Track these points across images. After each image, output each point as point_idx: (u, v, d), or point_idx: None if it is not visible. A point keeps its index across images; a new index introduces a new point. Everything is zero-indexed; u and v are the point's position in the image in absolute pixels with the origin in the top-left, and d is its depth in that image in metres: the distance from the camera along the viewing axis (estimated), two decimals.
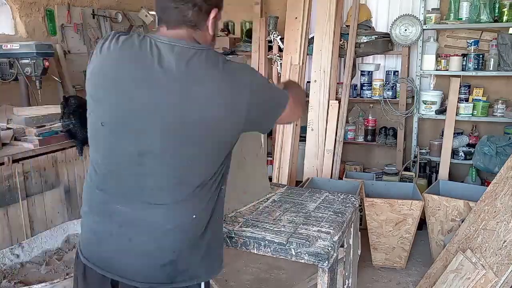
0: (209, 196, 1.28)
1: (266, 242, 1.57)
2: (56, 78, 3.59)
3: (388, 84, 4.04)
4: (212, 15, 1.26)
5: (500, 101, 3.67)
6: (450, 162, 3.60)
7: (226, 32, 4.76)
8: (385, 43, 3.90)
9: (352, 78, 3.95)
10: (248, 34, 4.44)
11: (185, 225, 1.25)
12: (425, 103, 3.86)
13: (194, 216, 1.25)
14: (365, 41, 3.86)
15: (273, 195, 2.00)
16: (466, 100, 3.78)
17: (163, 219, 1.24)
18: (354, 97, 4.15)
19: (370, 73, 4.14)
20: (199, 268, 1.31)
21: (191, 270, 1.29)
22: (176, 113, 1.18)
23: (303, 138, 3.88)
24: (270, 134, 4.30)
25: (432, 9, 3.80)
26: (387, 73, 4.11)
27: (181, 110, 1.17)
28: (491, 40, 3.74)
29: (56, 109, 3.07)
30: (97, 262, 1.29)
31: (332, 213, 1.80)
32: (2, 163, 2.50)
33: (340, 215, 1.78)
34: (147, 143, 1.20)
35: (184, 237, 1.26)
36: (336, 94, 3.89)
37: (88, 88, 1.27)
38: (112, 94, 1.21)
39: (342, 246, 1.86)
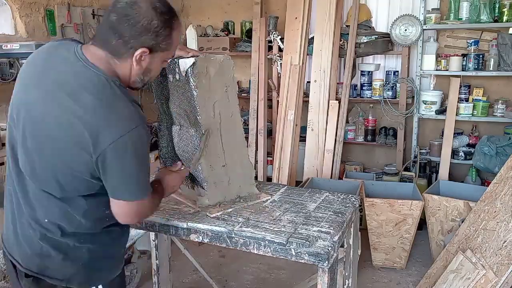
0: (62, 206, 1.29)
1: (266, 242, 1.57)
2: None
3: (388, 84, 4.04)
4: (137, 53, 1.23)
5: (500, 101, 3.67)
6: (450, 162, 3.60)
7: (226, 32, 4.76)
8: (385, 43, 3.90)
9: (352, 78, 3.95)
10: (248, 34, 4.45)
11: (42, 225, 1.31)
12: (425, 103, 3.86)
13: (46, 220, 1.30)
14: (365, 41, 3.86)
15: (273, 195, 2.00)
16: (466, 100, 3.78)
17: (31, 210, 1.32)
18: (354, 97, 4.15)
19: (370, 73, 4.14)
20: (62, 271, 1.34)
21: (56, 270, 1.34)
22: (44, 123, 1.23)
23: (303, 138, 3.88)
24: (270, 134, 4.30)
25: (432, 9, 3.80)
26: (387, 73, 4.11)
27: (50, 121, 1.22)
28: (491, 40, 3.74)
29: None
30: (5, 243, 1.43)
31: (332, 213, 1.80)
32: (2, 163, 2.50)
33: (340, 215, 1.78)
34: (27, 141, 1.28)
35: (44, 234, 1.31)
36: (336, 94, 3.89)
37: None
38: (17, 89, 1.37)
39: (342, 246, 1.86)
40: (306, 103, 3.84)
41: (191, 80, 1.67)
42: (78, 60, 1.23)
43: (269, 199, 1.93)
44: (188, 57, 1.68)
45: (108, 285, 1.41)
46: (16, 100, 1.33)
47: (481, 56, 3.66)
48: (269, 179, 4.12)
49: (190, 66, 1.65)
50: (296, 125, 3.73)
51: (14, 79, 3.21)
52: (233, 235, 1.62)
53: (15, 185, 1.34)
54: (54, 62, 1.27)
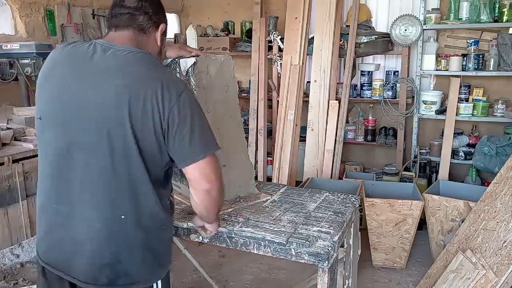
0: (140, 195, 1.25)
1: (266, 242, 1.57)
2: None
3: (388, 84, 4.04)
4: (161, 27, 1.37)
5: (500, 101, 3.67)
6: (450, 162, 3.60)
7: (226, 32, 4.76)
8: (385, 43, 3.90)
9: (352, 78, 3.95)
10: (248, 34, 4.45)
11: (114, 225, 1.24)
12: (425, 103, 3.86)
13: (122, 216, 1.24)
14: (365, 41, 3.86)
15: (273, 195, 2.00)
16: (466, 100, 3.78)
17: (92, 217, 1.24)
18: (354, 97, 4.15)
19: (370, 73, 4.14)
20: (139, 272, 1.30)
21: (131, 273, 1.28)
22: (97, 106, 1.19)
23: (303, 138, 3.88)
24: (270, 134, 4.30)
25: (432, 9, 3.80)
26: (387, 73, 4.11)
27: (100, 104, 1.19)
28: (491, 40, 3.74)
29: None
30: (50, 262, 1.31)
31: (332, 213, 1.80)
32: (2, 163, 2.50)
33: (340, 215, 1.78)
34: (73, 135, 1.22)
35: (116, 237, 1.25)
36: (336, 94, 3.89)
37: (36, 92, 1.33)
38: (46, 90, 1.28)
39: (342, 246, 1.86)
40: (306, 103, 3.84)
41: (192, 80, 1.67)
42: (107, 48, 1.25)
43: (269, 199, 1.93)
44: (189, 57, 1.68)
45: (165, 277, 1.39)
46: (52, 105, 1.27)
47: (481, 56, 3.66)
48: (269, 179, 4.12)
49: (191, 65, 1.66)
50: (296, 125, 3.72)
51: (14, 79, 3.22)
52: (233, 235, 1.62)
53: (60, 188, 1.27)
54: (84, 58, 1.25)
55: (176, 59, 1.72)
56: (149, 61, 1.27)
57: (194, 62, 1.66)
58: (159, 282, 1.35)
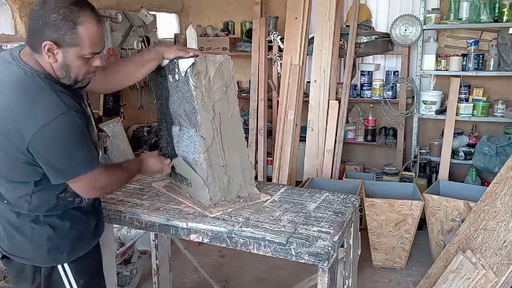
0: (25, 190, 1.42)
1: (266, 242, 1.57)
2: None
3: (388, 84, 4.04)
4: (43, 44, 1.32)
5: (500, 101, 3.67)
6: (450, 162, 3.60)
7: (226, 32, 4.76)
8: (385, 43, 3.90)
9: (352, 78, 3.95)
10: (248, 34, 4.44)
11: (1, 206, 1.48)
12: (425, 103, 3.86)
13: (5, 201, 1.46)
14: (365, 41, 3.86)
15: (273, 195, 2.00)
16: (466, 100, 3.78)
17: None
18: (354, 97, 4.15)
19: (370, 73, 4.14)
20: (26, 251, 1.48)
21: (20, 250, 1.50)
22: None
23: (303, 138, 3.88)
24: (270, 134, 4.30)
25: (432, 9, 3.80)
26: (387, 73, 4.11)
27: None
28: (491, 40, 3.74)
29: None
30: None
31: (332, 213, 1.80)
32: None
33: (340, 215, 1.78)
34: None
35: (3, 215, 1.48)
36: (336, 94, 3.89)
37: None
38: None
39: (342, 246, 1.86)
40: (306, 103, 3.84)
41: (191, 80, 1.67)
42: (13, 61, 1.38)
43: (269, 199, 1.93)
44: (187, 58, 1.68)
45: (74, 263, 1.52)
46: None
47: (481, 56, 3.66)
48: (269, 179, 4.12)
49: (190, 66, 1.66)
50: (296, 125, 3.73)
51: None
52: (233, 235, 1.62)
53: None
54: None
55: (175, 60, 1.72)
56: (22, 86, 1.34)
57: (193, 63, 1.65)
58: (66, 266, 1.51)
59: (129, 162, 1.87)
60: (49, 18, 1.29)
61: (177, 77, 1.73)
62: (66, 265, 1.51)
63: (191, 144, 1.80)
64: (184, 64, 1.67)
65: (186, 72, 1.67)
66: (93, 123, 1.52)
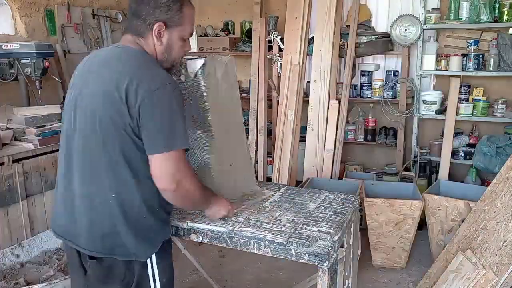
0: (131, 177, 1.39)
1: (266, 242, 1.57)
2: (56, 78, 3.59)
3: (388, 84, 4.04)
4: (155, 27, 1.42)
5: (500, 101, 3.67)
6: (450, 162, 3.59)
7: (226, 32, 4.76)
8: (385, 43, 3.90)
9: (352, 78, 3.95)
10: (248, 34, 4.44)
11: (107, 202, 1.40)
12: (425, 103, 3.86)
13: (113, 195, 1.39)
14: (365, 41, 3.85)
15: (273, 195, 2.00)
16: (466, 100, 3.78)
17: (96, 192, 1.41)
18: (354, 97, 4.15)
19: (370, 73, 4.14)
20: (134, 247, 1.43)
21: (127, 246, 1.43)
22: (91, 96, 1.39)
23: (303, 138, 3.88)
24: (270, 134, 4.30)
25: (432, 9, 3.80)
26: (387, 73, 4.11)
27: (94, 92, 1.38)
28: (491, 40, 3.74)
29: (56, 109, 3.07)
30: (62, 234, 1.52)
31: (332, 213, 1.80)
32: (2, 163, 2.50)
33: (340, 215, 1.78)
34: (78, 121, 1.42)
35: (114, 212, 1.40)
36: (336, 94, 3.89)
37: None
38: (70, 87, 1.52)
39: (342, 246, 1.86)
40: (306, 103, 3.84)
41: (202, 81, 1.67)
42: (116, 48, 1.48)
43: (272, 194, 1.94)
44: (194, 58, 1.68)
45: (160, 259, 1.51)
46: (74, 92, 1.47)
47: (481, 56, 3.66)
48: (269, 179, 4.12)
49: (201, 67, 1.65)
50: (296, 125, 3.73)
51: (14, 79, 3.22)
52: (233, 235, 1.62)
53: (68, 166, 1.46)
54: (99, 55, 1.51)
55: (182, 60, 1.71)
56: (134, 58, 1.41)
57: (204, 64, 1.65)
58: (153, 257, 1.49)
59: (208, 188, 1.64)
60: (155, 5, 1.40)
61: (182, 78, 1.72)
62: (154, 260, 1.49)
63: (197, 146, 1.80)
64: (194, 64, 1.66)
65: (196, 73, 1.67)
66: None
